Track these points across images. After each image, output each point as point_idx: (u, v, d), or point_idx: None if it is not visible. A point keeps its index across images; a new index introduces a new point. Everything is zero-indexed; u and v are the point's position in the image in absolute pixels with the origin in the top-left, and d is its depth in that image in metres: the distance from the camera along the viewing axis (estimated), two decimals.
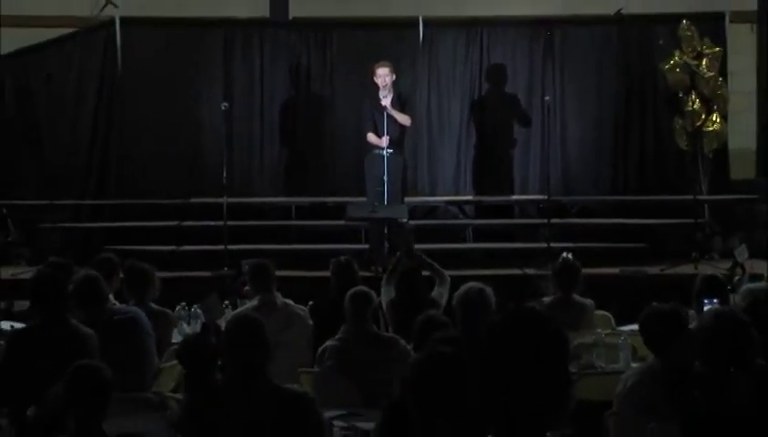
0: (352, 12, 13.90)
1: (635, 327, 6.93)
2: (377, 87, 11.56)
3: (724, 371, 5.11)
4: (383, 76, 11.55)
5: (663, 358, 5.53)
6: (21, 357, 6.18)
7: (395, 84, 11.69)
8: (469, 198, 13.50)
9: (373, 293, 7.07)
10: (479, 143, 13.50)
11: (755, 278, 8.91)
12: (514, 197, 13.41)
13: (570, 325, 8.53)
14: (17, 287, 8.65)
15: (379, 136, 11.43)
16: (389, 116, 11.37)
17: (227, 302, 8.34)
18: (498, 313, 2.77)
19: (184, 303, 8.34)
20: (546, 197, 12.31)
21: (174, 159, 13.24)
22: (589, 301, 8.64)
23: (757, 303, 6.77)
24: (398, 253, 10.44)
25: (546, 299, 8.88)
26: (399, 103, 11.68)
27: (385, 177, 11.19)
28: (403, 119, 11.60)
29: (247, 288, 8.29)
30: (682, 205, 12.90)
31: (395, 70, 11.73)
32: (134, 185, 13.22)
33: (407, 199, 11.97)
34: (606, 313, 8.85)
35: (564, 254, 10.20)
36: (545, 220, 12.15)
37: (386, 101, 11.42)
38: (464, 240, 13.05)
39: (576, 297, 8.54)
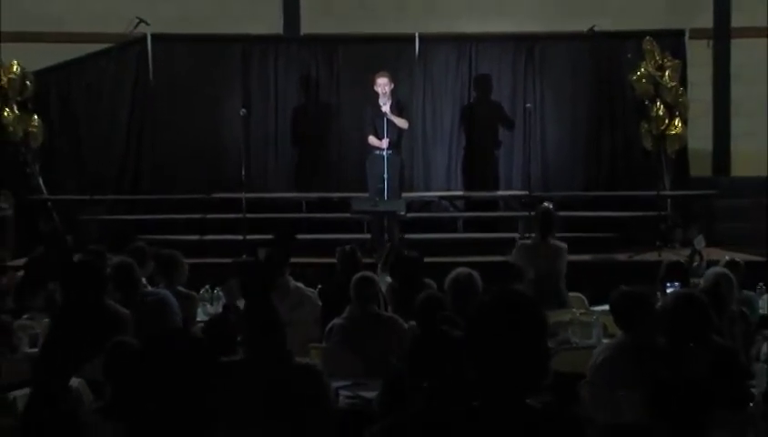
0: (356, 29, 13.88)
1: (606, 307, 6.93)
2: (377, 95, 11.52)
3: (684, 346, 5.11)
4: (382, 84, 11.51)
5: (631, 334, 5.53)
6: (64, 334, 6.18)
7: (393, 91, 11.65)
8: (460, 193, 13.49)
9: (375, 277, 7.08)
10: (467, 145, 13.49)
11: (711, 264, 8.90)
12: (499, 192, 13.40)
13: (547, 262, 8.69)
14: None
15: (380, 138, 11.40)
16: (389, 121, 11.35)
17: None
18: (485, 295, 2.78)
19: (207, 286, 8.34)
20: (527, 192, 12.29)
21: (198, 159, 13.24)
22: (562, 244, 8.80)
23: (717, 286, 6.78)
24: (388, 244, 10.46)
25: (527, 242, 9.02)
26: (398, 109, 11.64)
27: (385, 175, 11.15)
28: (401, 123, 11.57)
29: None
30: (647, 199, 12.88)
31: (393, 79, 11.69)
32: (163, 182, 13.21)
33: (404, 195, 11.94)
34: (580, 295, 8.87)
35: (545, 203, 10.27)
36: (526, 213, 12.11)
37: (385, 107, 11.39)
38: (455, 231, 13.04)
39: (551, 239, 8.69)
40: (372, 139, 11.51)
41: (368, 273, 7.11)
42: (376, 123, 11.48)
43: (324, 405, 4.88)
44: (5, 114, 12.50)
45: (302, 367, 4.91)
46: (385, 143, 11.31)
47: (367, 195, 11.59)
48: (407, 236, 11.60)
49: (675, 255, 10.73)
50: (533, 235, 9.20)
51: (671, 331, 5.15)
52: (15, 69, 12.52)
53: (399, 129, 11.56)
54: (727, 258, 8.81)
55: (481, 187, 13.39)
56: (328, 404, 5.01)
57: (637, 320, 5.48)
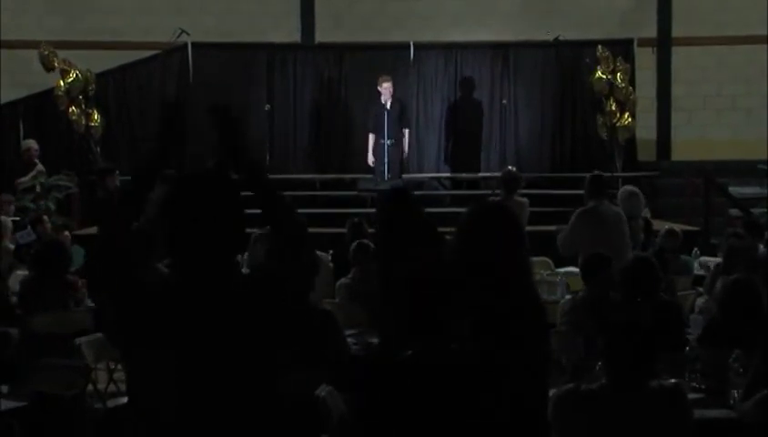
0: (361, 38, 13.81)
1: (568, 269, 6.90)
2: (380, 94, 11.50)
3: (634, 300, 5.10)
4: (386, 88, 11.53)
5: (593, 289, 5.54)
6: None
7: (394, 93, 11.63)
8: (448, 175, 13.46)
9: (370, 244, 7.09)
10: (454, 135, 13.42)
11: (655, 232, 8.89)
12: (480, 174, 13.37)
13: None
14: None
15: (380, 131, 11.36)
16: (389, 116, 11.30)
17: None
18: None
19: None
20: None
21: None
22: (524, 199, 8.82)
23: (662, 251, 6.79)
24: None
25: (496, 199, 9.04)
26: (400, 108, 11.63)
27: (386, 160, 11.16)
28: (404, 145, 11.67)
29: None
30: None
31: (394, 83, 11.68)
32: (199, 165, 13.15)
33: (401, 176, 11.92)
34: (547, 259, 8.85)
35: (509, 167, 10.28)
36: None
37: (387, 104, 11.37)
38: (443, 206, 12.99)
39: (516, 197, 8.73)
40: (370, 138, 11.52)
41: (364, 241, 7.13)
42: (377, 118, 11.44)
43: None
44: (71, 111, 12.44)
45: (321, 311, 4.94)
46: (376, 140, 11.28)
47: (371, 176, 11.57)
48: None
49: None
50: (500, 192, 9.14)
51: (625, 288, 5.15)
52: (73, 75, 12.42)
53: (400, 123, 11.54)
54: (667, 227, 8.80)
55: (465, 169, 13.35)
56: (343, 343, 5.03)
57: (599, 277, 5.48)
